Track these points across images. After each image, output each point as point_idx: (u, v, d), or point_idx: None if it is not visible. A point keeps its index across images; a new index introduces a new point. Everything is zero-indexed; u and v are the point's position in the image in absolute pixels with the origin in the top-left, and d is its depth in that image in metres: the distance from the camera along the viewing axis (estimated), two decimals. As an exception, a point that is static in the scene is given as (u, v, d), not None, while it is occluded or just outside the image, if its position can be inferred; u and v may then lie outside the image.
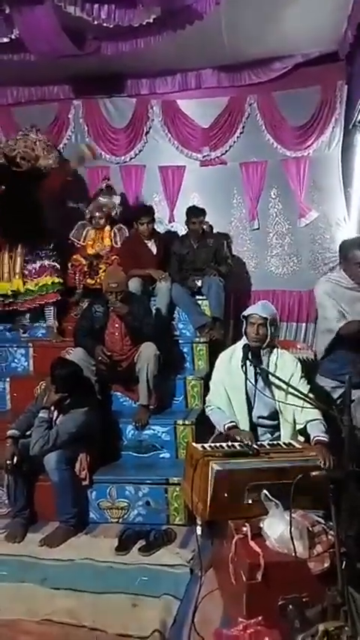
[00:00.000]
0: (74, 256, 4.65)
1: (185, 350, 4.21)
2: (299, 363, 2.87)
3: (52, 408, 3.19)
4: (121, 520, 3.22)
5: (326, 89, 4.74)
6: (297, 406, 2.69)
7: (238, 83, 4.89)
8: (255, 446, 2.50)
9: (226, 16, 3.83)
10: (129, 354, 3.65)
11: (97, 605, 2.35)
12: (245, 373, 2.78)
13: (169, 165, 5.21)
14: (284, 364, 2.83)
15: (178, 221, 5.16)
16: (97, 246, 4.66)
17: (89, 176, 5.30)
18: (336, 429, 2.43)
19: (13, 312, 4.49)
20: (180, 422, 3.54)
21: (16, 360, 4.37)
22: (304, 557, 2.04)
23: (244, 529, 2.17)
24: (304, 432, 2.72)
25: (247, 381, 2.79)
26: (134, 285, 4.15)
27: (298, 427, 2.74)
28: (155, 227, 4.70)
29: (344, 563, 1.82)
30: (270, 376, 2.78)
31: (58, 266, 4.46)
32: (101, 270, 4.48)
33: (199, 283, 4.45)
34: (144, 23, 3.53)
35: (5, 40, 3.71)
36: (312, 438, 2.62)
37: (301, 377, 2.81)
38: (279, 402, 2.76)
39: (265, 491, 2.21)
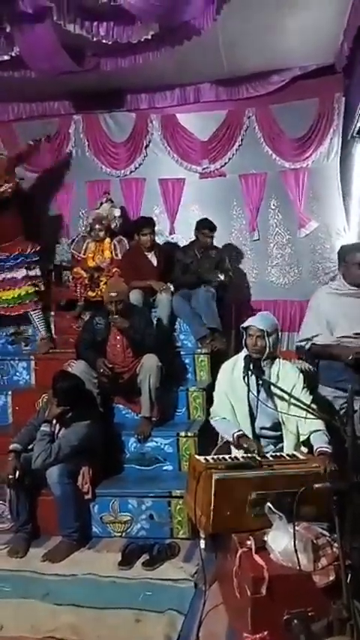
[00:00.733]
0: (75, 269, 4.68)
1: (187, 361, 4.21)
2: (301, 374, 2.85)
3: (54, 421, 3.19)
4: (124, 534, 3.19)
5: (324, 101, 4.80)
6: (300, 417, 2.67)
7: (236, 97, 4.95)
8: (260, 456, 2.48)
9: (223, 31, 3.89)
10: (131, 366, 3.65)
11: (100, 620, 2.33)
12: (247, 384, 2.77)
13: (168, 178, 5.26)
14: (286, 375, 2.82)
15: (179, 233, 5.19)
16: (98, 259, 4.68)
17: (89, 190, 5.34)
18: (339, 440, 2.43)
19: None
20: (182, 434, 3.52)
21: (17, 374, 4.37)
22: (308, 571, 2.01)
23: (248, 542, 2.15)
24: (307, 442, 2.70)
25: (250, 392, 2.77)
26: (135, 296, 4.16)
27: (301, 438, 2.71)
28: (156, 239, 4.72)
29: (349, 576, 1.80)
30: (272, 387, 2.77)
31: (38, 273, 4.51)
32: (102, 283, 4.48)
33: (221, 277, 4.44)
34: (142, 40, 3.58)
35: (6, 57, 3.77)
36: (315, 448, 2.59)
37: (304, 387, 2.79)
38: (281, 412, 2.74)
39: (269, 504, 2.19)
